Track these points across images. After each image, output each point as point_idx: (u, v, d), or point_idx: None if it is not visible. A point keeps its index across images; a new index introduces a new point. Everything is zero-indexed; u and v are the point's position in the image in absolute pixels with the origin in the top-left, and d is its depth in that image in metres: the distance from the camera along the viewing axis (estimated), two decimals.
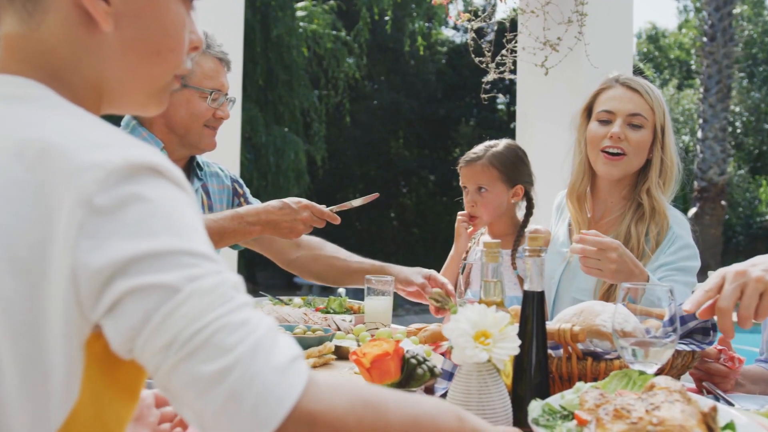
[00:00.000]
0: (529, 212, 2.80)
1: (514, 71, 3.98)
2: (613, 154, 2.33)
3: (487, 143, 2.81)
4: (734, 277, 1.39)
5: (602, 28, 3.84)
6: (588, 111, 2.45)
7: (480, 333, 1.27)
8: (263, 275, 15.30)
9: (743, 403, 1.62)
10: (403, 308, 12.77)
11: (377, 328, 2.20)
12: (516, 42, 3.91)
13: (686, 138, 19.95)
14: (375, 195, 2.40)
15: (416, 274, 2.49)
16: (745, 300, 1.36)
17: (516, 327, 1.33)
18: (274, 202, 2.24)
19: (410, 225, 18.96)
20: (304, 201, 2.26)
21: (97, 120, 0.86)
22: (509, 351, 1.27)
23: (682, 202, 13.97)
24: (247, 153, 12.58)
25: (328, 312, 2.47)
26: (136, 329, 0.76)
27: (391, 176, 19.36)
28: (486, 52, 3.88)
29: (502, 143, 2.79)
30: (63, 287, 0.77)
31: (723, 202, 15.72)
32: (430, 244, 17.85)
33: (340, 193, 17.62)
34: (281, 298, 2.63)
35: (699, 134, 16.24)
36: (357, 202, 2.35)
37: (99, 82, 0.93)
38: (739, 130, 20.81)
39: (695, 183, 15.42)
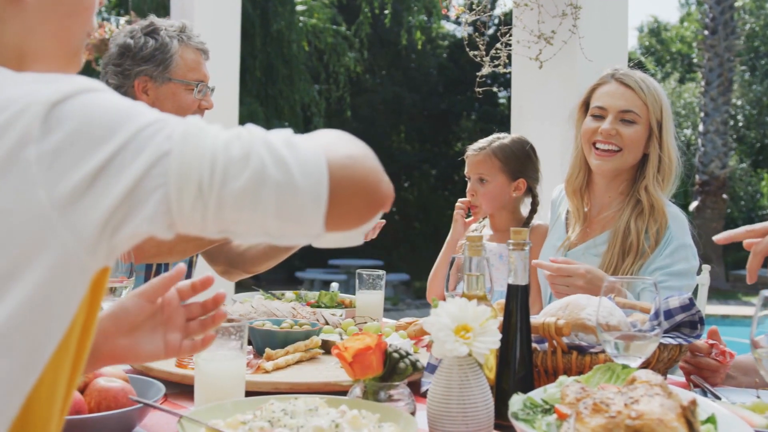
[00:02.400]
0: (533, 209, 2.79)
1: (508, 65, 3.97)
2: (605, 150, 2.33)
3: (496, 135, 2.81)
4: None
5: (597, 21, 3.82)
6: (585, 106, 2.45)
7: (460, 327, 1.26)
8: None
9: (731, 396, 1.61)
10: (404, 302, 12.76)
11: (365, 322, 2.20)
12: (510, 35, 3.89)
13: (688, 131, 19.88)
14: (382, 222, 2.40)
15: None
16: None
17: (497, 321, 1.32)
18: None
19: (412, 219, 18.93)
20: None
21: (14, 72, 0.86)
22: (490, 345, 1.26)
23: (683, 197, 13.94)
24: None
25: (318, 306, 2.46)
26: (164, 205, 0.79)
27: (392, 170, 19.21)
28: (480, 46, 3.86)
29: (510, 137, 2.79)
30: (64, 251, 0.78)
31: (724, 196, 15.70)
32: (431, 239, 17.81)
33: None
34: (273, 292, 2.62)
35: (700, 128, 16.20)
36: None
37: (20, 49, 0.94)
38: (740, 124, 20.73)
39: (697, 176, 15.39)
